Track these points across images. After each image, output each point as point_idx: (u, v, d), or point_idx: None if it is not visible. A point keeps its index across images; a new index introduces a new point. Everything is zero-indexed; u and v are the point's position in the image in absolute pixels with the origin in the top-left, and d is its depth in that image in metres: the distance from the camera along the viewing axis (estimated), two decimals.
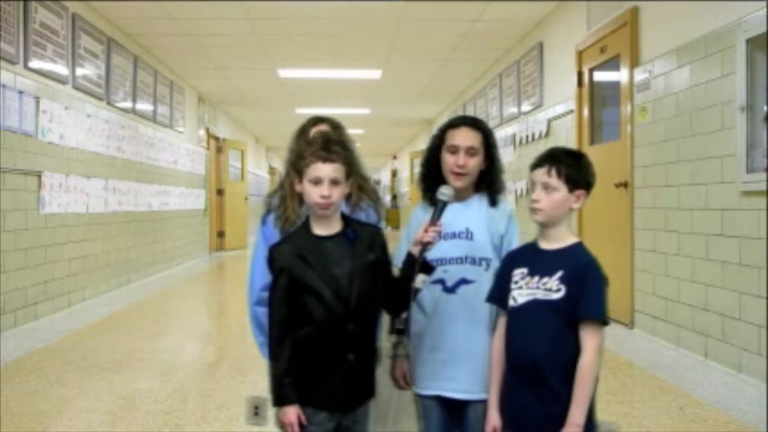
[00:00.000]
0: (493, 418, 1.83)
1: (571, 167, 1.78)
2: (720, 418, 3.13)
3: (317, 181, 1.81)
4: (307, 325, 1.81)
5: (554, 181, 1.76)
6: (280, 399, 1.81)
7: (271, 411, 2.23)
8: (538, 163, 1.81)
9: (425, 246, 1.84)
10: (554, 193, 1.77)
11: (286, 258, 1.83)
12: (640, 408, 3.29)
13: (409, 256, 1.86)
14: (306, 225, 1.88)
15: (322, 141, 1.86)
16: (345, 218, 1.90)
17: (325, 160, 1.82)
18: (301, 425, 1.79)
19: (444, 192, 1.91)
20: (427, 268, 1.86)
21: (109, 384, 3.74)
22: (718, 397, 3.38)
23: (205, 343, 5.15)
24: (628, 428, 3.01)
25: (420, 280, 1.84)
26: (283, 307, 1.82)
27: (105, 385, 3.73)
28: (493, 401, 1.85)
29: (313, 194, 1.81)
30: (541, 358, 1.72)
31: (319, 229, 1.86)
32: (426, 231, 1.84)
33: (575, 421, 1.68)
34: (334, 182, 1.82)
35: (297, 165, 1.87)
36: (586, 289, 1.71)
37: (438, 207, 1.90)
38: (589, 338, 1.70)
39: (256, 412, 2.29)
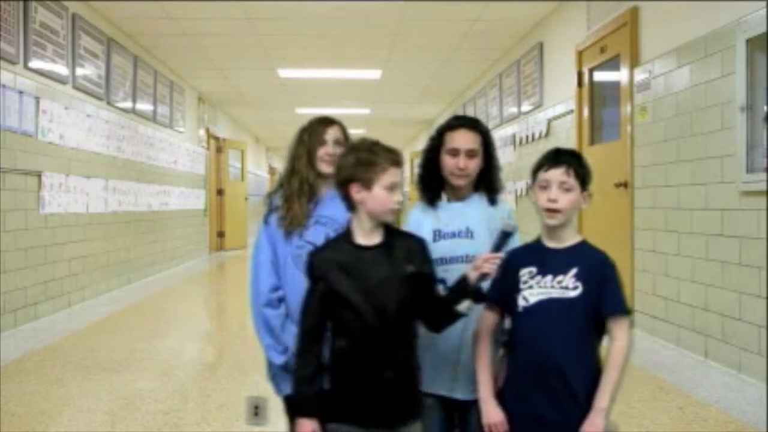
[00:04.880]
0: (494, 414, 1.81)
1: (582, 167, 1.80)
2: (720, 418, 3.14)
3: (393, 187, 1.77)
4: (342, 337, 1.77)
5: (572, 180, 1.77)
6: (298, 410, 1.77)
7: (271, 411, 2.24)
8: (551, 163, 1.79)
9: (483, 276, 1.77)
10: (570, 193, 1.77)
11: (326, 265, 1.79)
12: (640, 408, 3.29)
13: (463, 281, 1.79)
14: (347, 234, 1.84)
15: (385, 146, 1.83)
16: (387, 228, 1.85)
17: (398, 164, 1.80)
18: None
19: (509, 223, 1.84)
20: (478, 296, 1.79)
21: (109, 384, 3.74)
22: (718, 397, 3.37)
23: (205, 343, 5.15)
24: (628, 428, 3.01)
25: (465, 306, 1.78)
26: (315, 314, 1.78)
27: (105, 385, 3.73)
28: (489, 396, 1.83)
29: (388, 200, 1.77)
30: (564, 359, 1.71)
31: (362, 238, 1.81)
32: (486, 261, 1.77)
33: (601, 405, 1.68)
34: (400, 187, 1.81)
35: (366, 171, 1.79)
36: (607, 286, 1.73)
37: (500, 237, 1.82)
38: (619, 329, 1.73)
39: (256, 412, 2.29)
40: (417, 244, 1.85)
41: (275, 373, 2.12)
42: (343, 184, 1.82)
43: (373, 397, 1.75)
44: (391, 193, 1.77)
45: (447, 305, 1.79)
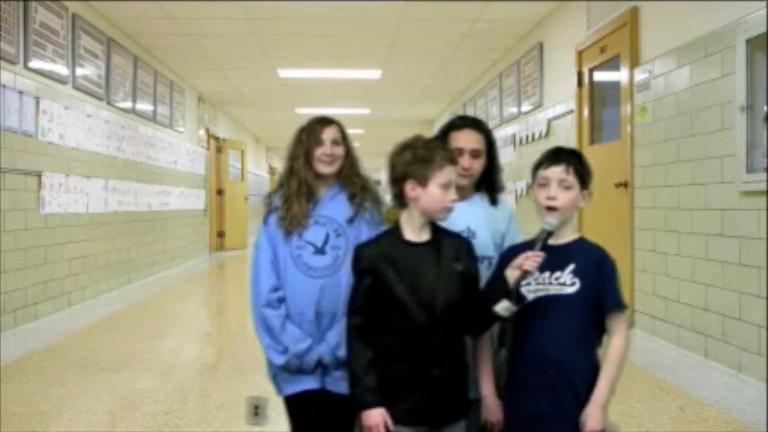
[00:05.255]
0: (493, 412, 1.81)
1: (582, 166, 1.81)
2: (720, 418, 3.14)
3: (448, 185, 1.77)
4: (389, 334, 1.75)
5: (571, 178, 1.78)
6: (361, 403, 1.76)
7: (271, 411, 2.24)
8: (551, 161, 1.80)
9: (525, 274, 1.72)
10: (570, 191, 1.77)
11: (373, 259, 1.78)
12: (640, 408, 3.29)
13: (503, 281, 1.73)
14: (395, 229, 1.84)
15: (439, 144, 1.83)
16: (434, 226, 1.84)
17: (453, 162, 1.79)
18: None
19: (550, 222, 1.79)
20: (519, 297, 1.73)
21: (109, 384, 3.75)
22: (718, 397, 3.37)
23: (205, 343, 5.15)
24: (628, 428, 3.01)
25: (503, 306, 1.70)
26: (363, 311, 1.78)
27: (105, 385, 3.73)
28: (491, 393, 1.83)
29: (443, 199, 1.77)
30: (563, 355, 1.71)
31: (411, 235, 1.80)
32: (527, 259, 1.71)
33: (599, 400, 1.68)
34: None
35: (422, 169, 1.78)
36: (605, 282, 1.74)
37: (542, 236, 1.77)
38: (616, 325, 1.74)
39: (256, 412, 2.29)
40: (465, 244, 1.84)
41: (275, 373, 2.12)
42: (398, 181, 1.82)
43: (419, 396, 1.73)
44: (446, 192, 1.77)
45: (485, 306, 1.73)
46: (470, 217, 2.06)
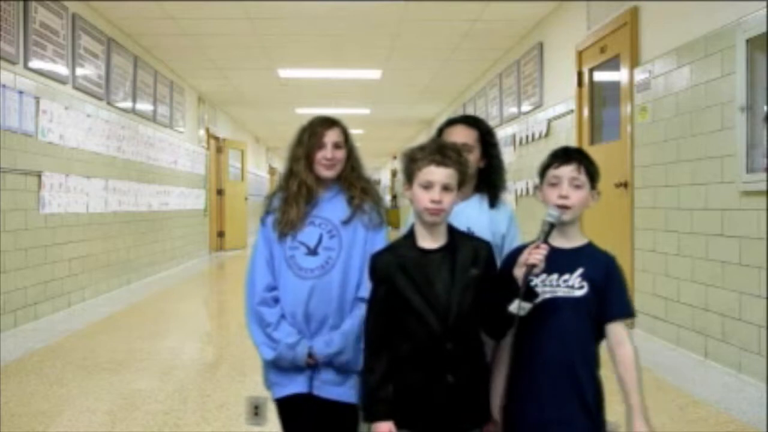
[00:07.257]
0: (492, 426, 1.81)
1: (592, 165, 1.80)
2: (720, 418, 3.14)
3: (428, 186, 1.74)
4: (404, 342, 1.75)
5: (583, 177, 1.76)
6: (372, 414, 1.75)
7: (271, 411, 2.23)
8: (562, 161, 1.78)
9: (531, 269, 1.67)
10: (581, 190, 1.77)
11: (387, 269, 1.77)
12: None
13: (512, 279, 1.69)
14: (410, 236, 1.82)
15: (437, 145, 1.80)
16: (451, 230, 1.81)
17: (439, 164, 1.74)
18: None
19: (551, 213, 1.76)
20: (530, 294, 1.69)
21: (109, 384, 3.74)
22: (718, 397, 3.38)
23: (205, 343, 5.15)
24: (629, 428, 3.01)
25: (516, 306, 1.66)
26: (381, 319, 1.76)
27: (105, 385, 3.73)
28: (496, 416, 1.81)
29: (423, 199, 1.74)
30: (569, 358, 1.71)
31: (424, 242, 1.78)
32: (531, 253, 1.67)
33: (638, 409, 1.67)
34: (446, 188, 1.74)
35: (408, 169, 1.79)
36: (613, 288, 1.73)
37: (544, 228, 1.73)
38: (620, 333, 1.73)
39: (256, 412, 2.29)
40: (483, 247, 1.81)
41: (268, 375, 2.11)
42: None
43: (434, 403, 1.72)
44: (427, 192, 1.74)
45: (499, 308, 1.70)
46: (469, 218, 2.06)
